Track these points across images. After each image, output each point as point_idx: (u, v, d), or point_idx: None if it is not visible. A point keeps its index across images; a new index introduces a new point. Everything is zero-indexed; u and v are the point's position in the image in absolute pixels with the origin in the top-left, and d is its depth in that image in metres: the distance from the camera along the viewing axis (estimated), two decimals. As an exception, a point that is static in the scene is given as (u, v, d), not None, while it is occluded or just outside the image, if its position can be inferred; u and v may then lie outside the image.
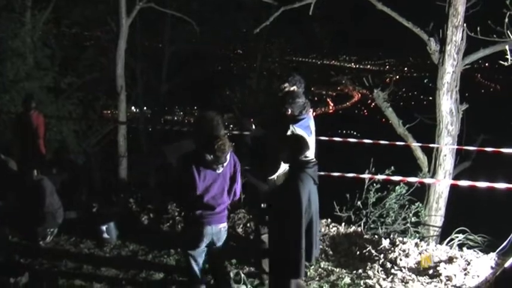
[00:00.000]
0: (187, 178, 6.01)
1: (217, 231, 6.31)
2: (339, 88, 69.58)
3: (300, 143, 6.03)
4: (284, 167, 6.75)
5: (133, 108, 28.17)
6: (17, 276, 7.49)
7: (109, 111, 24.57)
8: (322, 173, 8.84)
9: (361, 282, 7.52)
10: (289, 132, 6.73)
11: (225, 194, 6.27)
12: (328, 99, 71.60)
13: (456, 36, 11.36)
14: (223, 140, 5.95)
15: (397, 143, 11.44)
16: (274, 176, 6.79)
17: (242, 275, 7.11)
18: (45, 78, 16.85)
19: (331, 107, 71.17)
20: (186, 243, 6.60)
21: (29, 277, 7.58)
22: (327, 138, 10.27)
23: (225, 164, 6.09)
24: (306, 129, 6.93)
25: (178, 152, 6.31)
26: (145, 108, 29.19)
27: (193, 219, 6.26)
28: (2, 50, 15.54)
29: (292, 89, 7.32)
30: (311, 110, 7.37)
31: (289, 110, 6.82)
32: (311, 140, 6.96)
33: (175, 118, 39.52)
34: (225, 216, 6.43)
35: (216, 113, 6.13)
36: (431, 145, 11.79)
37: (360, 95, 71.91)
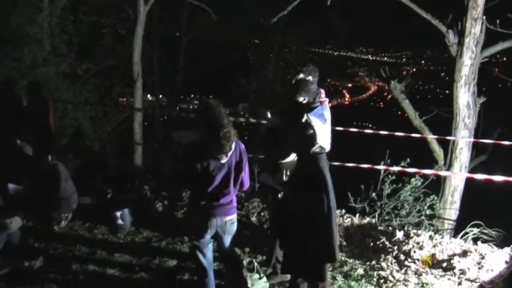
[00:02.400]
0: (189, 168, 5.92)
1: (222, 224, 6.10)
2: (355, 80, 69.39)
3: None
4: (294, 155, 6.74)
5: (148, 96, 28.21)
6: (32, 260, 7.55)
7: (125, 99, 24.58)
8: (336, 163, 8.84)
9: (375, 273, 7.51)
10: (303, 121, 6.70)
11: (231, 184, 6.06)
12: (344, 91, 71.40)
13: (475, 28, 11.29)
14: (228, 128, 5.79)
15: (413, 135, 11.39)
16: (284, 161, 6.77)
17: (255, 264, 7.09)
18: (62, 64, 16.87)
19: (347, 99, 70.96)
20: (191, 233, 6.53)
21: (43, 261, 7.63)
22: (342, 129, 10.24)
23: (229, 154, 5.92)
24: (320, 117, 6.88)
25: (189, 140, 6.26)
26: (160, 96, 29.24)
27: (197, 209, 6.16)
28: (20, 35, 15.55)
29: (308, 78, 7.28)
30: (327, 99, 7.34)
31: (302, 98, 6.78)
32: (326, 128, 6.94)
33: (191, 107, 39.52)
34: (232, 209, 6.20)
35: (218, 102, 6.02)
36: (447, 137, 11.72)
37: (376, 87, 71.67)
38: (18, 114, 9.68)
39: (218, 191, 6.00)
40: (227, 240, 6.27)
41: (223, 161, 5.91)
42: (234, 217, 6.23)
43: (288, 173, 6.88)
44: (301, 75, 7.29)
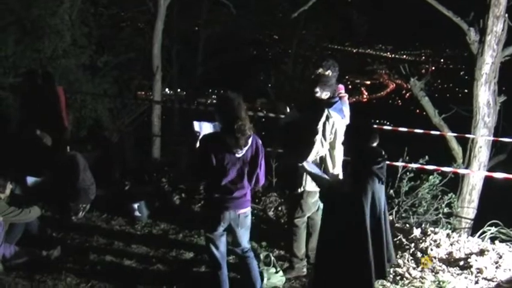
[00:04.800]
0: (204, 160, 5.88)
1: (235, 217, 6.06)
2: (373, 77, 69.12)
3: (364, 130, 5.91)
4: (316, 153, 6.71)
5: (167, 90, 28.26)
6: (49, 249, 7.59)
7: (143, 92, 24.66)
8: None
9: (391, 270, 7.47)
10: (324, 116, 6.70)
11: (245, 178, 6.02)
12: (362, 88, 71.14)
13: (497, 26, 11.22)
14: (244, 121, 5.73)
15: (432, 132, 11.32)
16: (305, 163, 6.74)
17: (272, 258, 7.10)
18: (81, 56, 16.94)
19: (365, 96, 70.69)
20: (204, 225, 6.52)
21: (61, 251, 7.67)
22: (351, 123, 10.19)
23: (245, 148, 5.85)
24: (340, 112, 6.89)
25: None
26: (178, 90, 29.29)
27: (210, 202, 6.14)
28: (40, 27, 15.63)
29: (327, 73, 7.27)
30: (346, 95, 7.33)
31: (321, 93, 6.77)
32: (344, 123, 6.93)
33: (209, 101, 39.54)
34: (246, 202, 6.15)
35: (237, 94, 5.95)
36: (467, 135, 11.66)
37: (394, 84, 71.33)
38: (38, 105, 9.72)
39: (232, 185, 5.96)
40: (241, 233, 6.22)
41: (238, 155, 5.85)
42: (247, 210, 6.20)
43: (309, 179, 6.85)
44: (321, 70, 7.28)
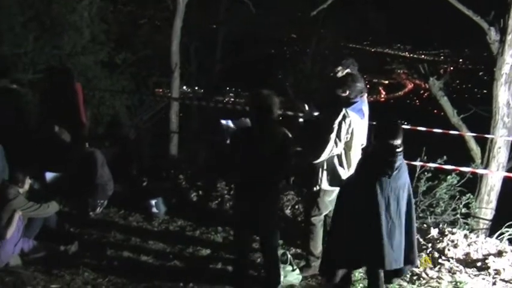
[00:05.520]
0: (235, 155, 5.97)
1: None
2: (392, 76, 68.74)
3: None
4: (329, 152, 6.69)
5: (184, 87, 28.28)
6: (67, 244, 7.65)
7: (161, 90, 24.71)
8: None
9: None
10: (341, 115, 6.68)
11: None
12: (379, 88, 70.79)
13: (518, 26, 11.14)
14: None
15: (451, 131, 11.27)
16: (319, 161, 6.74)
17: (289, 256, 7.10)
18: (100, 53, 16.97)
19: (382, 96, 70.35)
20: (233, 219, 6.57)
21: (78, 246, 7.72)
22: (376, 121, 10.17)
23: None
24: (359, 112, 6.88)
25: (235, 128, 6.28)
26: (196, 87, 29.33)
27: (239, 195, 6.21)
28: (60, 23, 15.69)
29: (346, 71, 7.27)
30: (366, 94, 7.32)
31: (347, 92, 6.76)
32: (364, 123, 6.93)
33: (226, 99, 39.56)
34: None
35: (271, 92, 6.05)
36: (486, 136, 11.60)
37: (412, 84, 70.91)
38: (58, 102, 9.75)
39: None
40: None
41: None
42: None
43: (328, 177, 6.85)
44: (340, 68, 7.29)
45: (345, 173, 6.76)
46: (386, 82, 71.97)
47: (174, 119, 15.25)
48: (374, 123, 6.81)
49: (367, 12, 28.52)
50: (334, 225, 6.51)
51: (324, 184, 6.87)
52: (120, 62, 18.47)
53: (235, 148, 6.01)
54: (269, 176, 6.04)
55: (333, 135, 6.62)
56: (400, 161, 5.86)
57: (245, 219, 6.17)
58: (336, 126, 6.63)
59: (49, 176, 8.99)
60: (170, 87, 15.85)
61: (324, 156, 6.67)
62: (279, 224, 6.87)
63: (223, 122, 6.31)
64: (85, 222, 8.67)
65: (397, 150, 5.77)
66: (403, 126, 10.42)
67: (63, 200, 8.76)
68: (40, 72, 14.01)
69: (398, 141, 5.80)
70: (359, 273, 7.13)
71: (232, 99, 38.92)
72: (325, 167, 6.80)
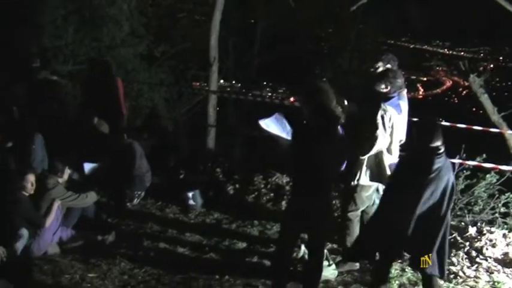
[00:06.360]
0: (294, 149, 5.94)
1: None
2: (430, 73, 68.06)
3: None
4: (378, 147, 6.65)
5: (221, 81, 28.33)
6: (104, 234, 7.72)
7: (198, 83, 24.77)
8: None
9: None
10: (380, 111, 6.64)
11: None
12: (418, 85, 70.16)
13: (562, 23, 10.95)
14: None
15: (491, 129, 11.10)
16: (366, 156, 6.71)
17: (325, 251, 7.06)
18: (139, 46, 17.07)
19: (420, 93, 69.72)
20: (286, 213, 6.59)
21: (116, 236, 7.79)
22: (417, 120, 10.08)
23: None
24: (397, 107, 6.84)
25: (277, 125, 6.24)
26: (233, 82, 29.35)
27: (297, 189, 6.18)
28: (99, 16, 15.81)
29: (387, 67, 7.23)
30: (405, 89, 7.26)
31: (388, 88, 6.72)
32: (401, 119, 6.88)
33: (263, 94, 39.53)
34: None
35: (329, 85, 5.98)
36: (526, 134, 11.42)
37: (451, 82, 70.15)
38: (98, 94, 9.83)
39: None
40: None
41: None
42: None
43: (368, 172, 6.82)
44: (380, 63, 7.25)
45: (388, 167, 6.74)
46: (425, 79, 71.23)
47: (212, 112, 15.21)
48: (414, 119, 6.76)
49: (408, 7, 28.23)
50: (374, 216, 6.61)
51: (363, 179, 6.84)
52: (158, 55, 18.58)
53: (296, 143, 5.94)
54: (327, 172, 5.98)
55: (380, 131, 6.58)
56: (440, 164, 5.79)
57: (300, 214, 6.10)
58: (379, 121, 6.60)
59: (88, 166, 9.07)
60: (208, 81, 15.82)
61: (372, 151, 6.64)
62: (333, 222, 6.82)
63: (262, 122, 6.27)
64: (122, 213, 8.75)
65: (438, 152, 5.71)
66: (442, 123, 10.36)
67: (101, 190, 8.83)
68: (80, 64, 14.16)
69: (438, 143, 5.73)
70: (395, 270, 7.08)
71: (270, 94, 38.85)
72: (365, 163, 6.76)
